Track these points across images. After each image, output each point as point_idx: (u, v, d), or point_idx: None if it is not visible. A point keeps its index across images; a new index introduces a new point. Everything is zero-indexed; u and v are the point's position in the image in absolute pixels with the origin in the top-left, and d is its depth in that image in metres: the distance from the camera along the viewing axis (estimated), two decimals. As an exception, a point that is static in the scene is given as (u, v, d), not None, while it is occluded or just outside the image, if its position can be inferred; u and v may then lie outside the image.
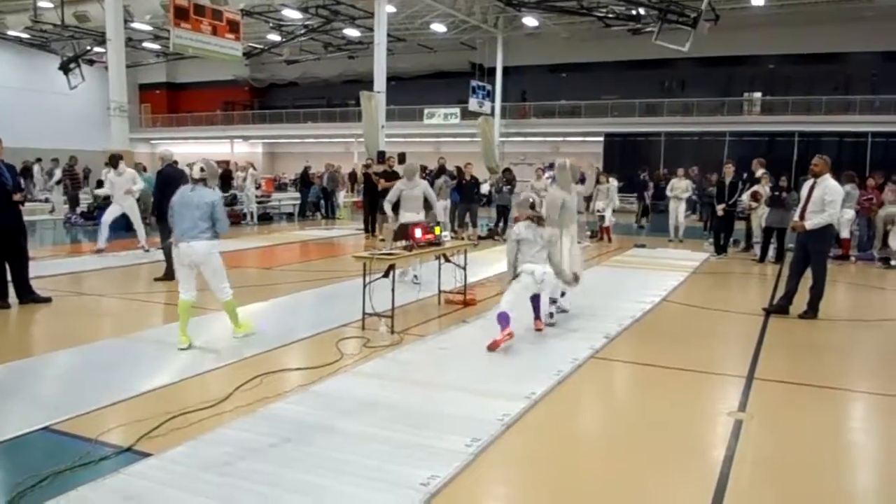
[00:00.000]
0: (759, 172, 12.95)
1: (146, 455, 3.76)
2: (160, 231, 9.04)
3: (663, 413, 4.70)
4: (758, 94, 31.04)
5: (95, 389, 4.83)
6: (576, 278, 6.80)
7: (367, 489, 3.39)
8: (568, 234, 7.09)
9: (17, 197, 7.59)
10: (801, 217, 7.57)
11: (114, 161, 11.89)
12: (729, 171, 12.88)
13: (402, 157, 20.12)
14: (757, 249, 12.55)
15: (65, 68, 27.81)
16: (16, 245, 7.73)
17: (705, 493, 3.47)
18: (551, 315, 6.99)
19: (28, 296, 7.80)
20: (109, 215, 11.75)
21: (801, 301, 7.64)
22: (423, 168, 14.70)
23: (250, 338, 6.26)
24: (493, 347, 5.93)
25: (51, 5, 25.89)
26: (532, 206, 6.62)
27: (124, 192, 11.67)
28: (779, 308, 7.76)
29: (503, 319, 6.02)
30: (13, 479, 3.46)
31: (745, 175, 13.33)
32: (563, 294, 7.24)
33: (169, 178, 8.59)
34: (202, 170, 5.94)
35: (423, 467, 3.59)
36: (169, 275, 8.83)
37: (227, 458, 3.72)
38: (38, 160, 23.79)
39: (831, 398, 5.13)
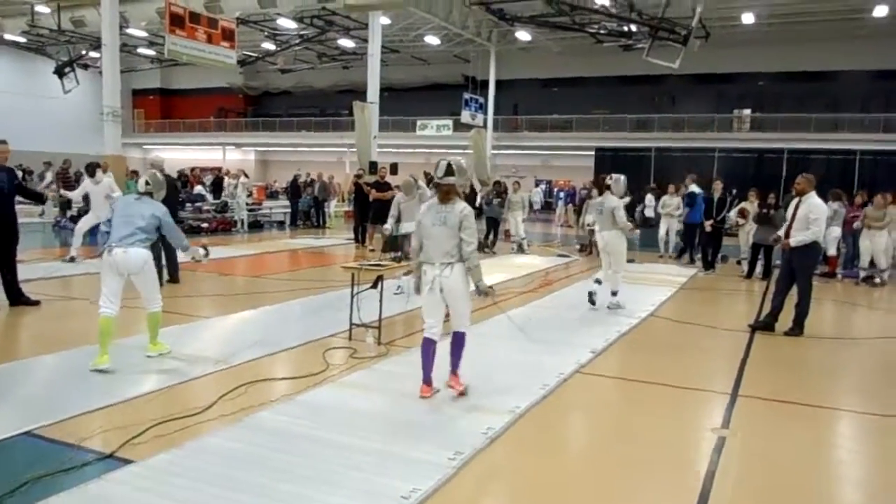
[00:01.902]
0: (692, 187, 13.72)
1: (128, 462, 3.75)
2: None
3: (647, 428, 4.72)
4: (747, 111, 31.36)
5: (79, 394, 4.82)
6: (490, 291, 4.97)
7: (348, 500, 3.39)
8: (621, 234, 8.53)
9: None
10: (787, 235, 7.64)
11: (90, 169, 11.58)
12: (717, 187, 12.99)
13: (394, 168, 20.18)
14: (744, 266, 12.64)
15: (60, 72, 27.79)
16: (7, 249, 7.73)
17: (686, 508, 3.49)
18: (609, 307, 8.52)
19: (17, 299, 7.80)
20: (85, 224, 11.44)
21: (786, 318, 7.70)
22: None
23: (231, 348, 6.23)
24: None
25: (48, 10, 25.92)
26: (449, 171, 4.76)
27: (102, 199, 11.17)
28: (764, 325, 7.81)
29: (424, 354, 5.01)
30: (-7, 484, 3.44)
31: (734, 191, 13.46)
32: (614, 293, 8.58)
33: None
34: (147, 183, 5.92)
35: (406, 479, 3.60)
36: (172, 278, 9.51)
37: (210, 467, 3.71)
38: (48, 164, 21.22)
39: (815, 416, 5.16)
